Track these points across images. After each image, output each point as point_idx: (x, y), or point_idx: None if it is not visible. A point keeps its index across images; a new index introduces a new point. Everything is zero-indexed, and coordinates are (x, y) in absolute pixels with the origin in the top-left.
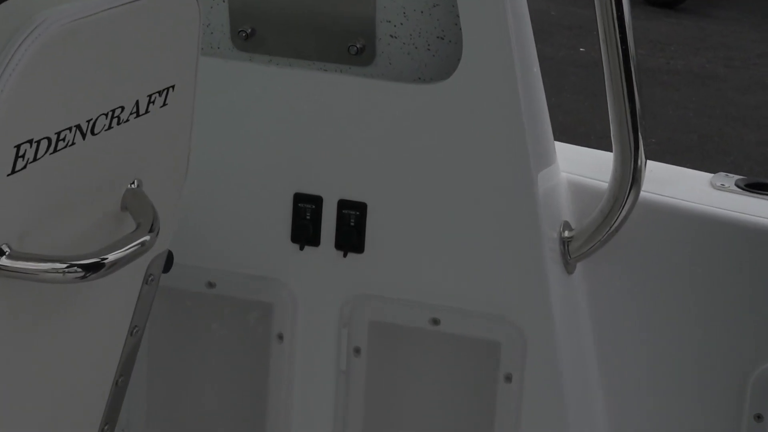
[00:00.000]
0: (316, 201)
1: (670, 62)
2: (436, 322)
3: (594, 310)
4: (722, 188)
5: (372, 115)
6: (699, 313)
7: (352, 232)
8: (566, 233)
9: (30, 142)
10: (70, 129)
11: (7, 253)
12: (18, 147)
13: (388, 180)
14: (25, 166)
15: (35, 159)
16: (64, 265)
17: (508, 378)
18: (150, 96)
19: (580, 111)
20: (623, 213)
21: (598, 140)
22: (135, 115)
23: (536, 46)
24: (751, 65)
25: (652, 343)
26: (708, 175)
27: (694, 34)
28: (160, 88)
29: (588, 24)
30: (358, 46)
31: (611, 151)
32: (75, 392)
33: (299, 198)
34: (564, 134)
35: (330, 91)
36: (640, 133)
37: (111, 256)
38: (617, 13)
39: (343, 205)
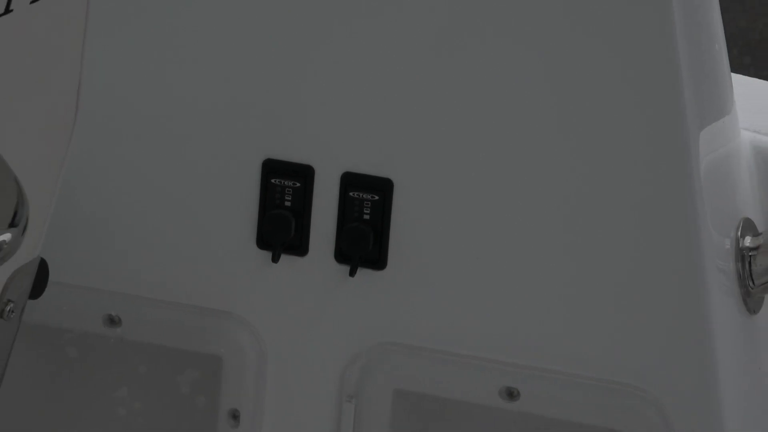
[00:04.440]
0: (303, 174)
1: None
2: (512, 394)
3: None
4: None
5: (402, 21)
6: None
7: (366, 233)
8: (748, 240)
9: None
10: None
11: None
12: None
13: (431, 141)
14: None
15: None
16: None
17: None
18: None
19: None
20: None
21: None
22: None
23: None
24: None
25: None
26: None
27: None
28: None
29: None
30: None
31: None
32: None
33: (272, 168)
34: (751, 55)
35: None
36: None
37: None
38: None
39: (350, 182)
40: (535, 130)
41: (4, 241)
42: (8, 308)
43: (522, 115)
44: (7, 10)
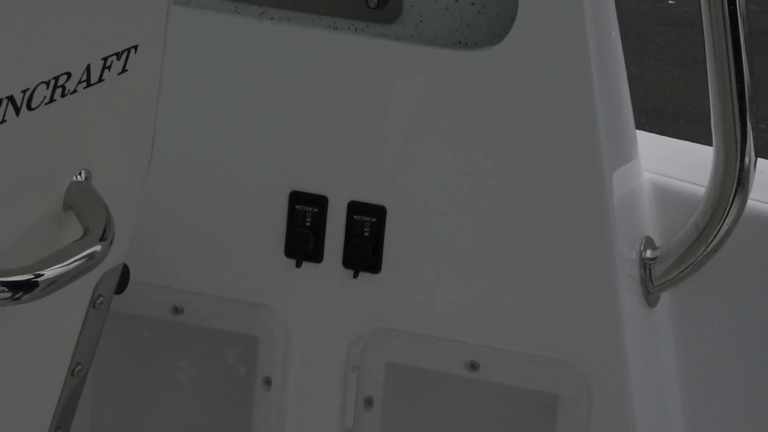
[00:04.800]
0: (320, 202)
1: None
2: (474, 366)
3: (683, 355)
4: None
5: (396, 89)
6: None
7: (365, 246)
8: (648, 253)
9: None
10: (0, 102)
11: None
12: None
13: (414, 177)
14: None
15: None
16: None
17: None
18: (105, 59)
19: (667, 84)
20: (724, 227)
21: (689, 125)
22: (85, 84)
23: None
24: None
25: (759, 396)
26: None
27: None
28: (119, 50)
29: None
30: None
31: (710, 143)
32: None
33: (297, 198)
34: (647, 116)
35: (341, 55)
36: (749, 121)
37: (48, 272)
38: None
39: (354, 208)
40: (490, 173)
41: (96, 251)
42: (99, 301)
43: (480, 162)
44: (100, 80)
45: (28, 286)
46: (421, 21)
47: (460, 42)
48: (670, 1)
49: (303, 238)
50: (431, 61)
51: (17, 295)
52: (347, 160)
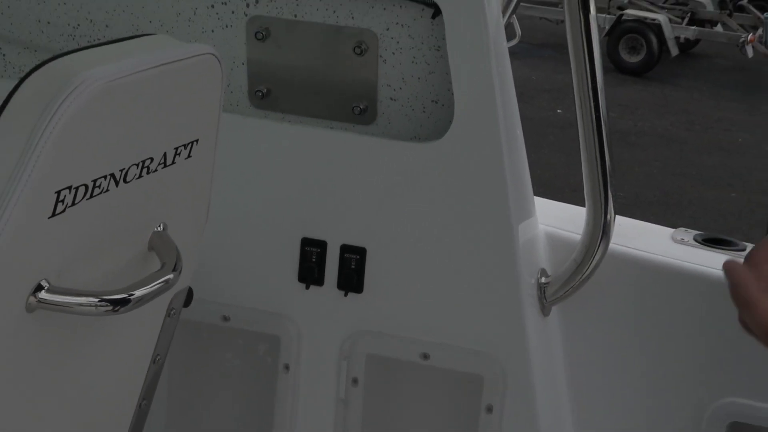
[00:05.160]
0: (321, 245)
1: (637, 124)
2: (426, 356)
3: (567, 348)
4: (682, 242)
5: (372, 170)
6: (661, 354)
7: (352, 274)
8: (543, 279)
9: (69, 188)
10: (105, 177)
11: (45, 288)
12: (58, 193)
13: (385, 228)
14: (64, 210)
15: (73, 204)
16: (96, 300)
17: (489, 409)
18: (176, 148)
19: (556, 167)
20: (594, 263)
21: (572, 193)
22: (162, 165)
23: (519, 107)
24: (710, 129)
25: (618, 379)
26: (669, 230)
27: (659, 100)
28: (186, 142)
29: (565, 88)
30: (361, 106)
31: (584, 205)
32: (102, 414)
33: (306, 242)
34: (542, 187)
35: (336, 146)
36: (609, 191)
37: (138, 292)
38: (591, 80)
39: (345, 249)
40: (438, 226)
41: (169, 278)
42: (172, 312)
43: (430, 219)
44: (173, 162)
45: (123, 302)
46: (389, 123)
47: (416, 137)
48: (558, 111)
49: (310, 270)
50: (396, 151)
51: (116, 308)
52: (340, 218)
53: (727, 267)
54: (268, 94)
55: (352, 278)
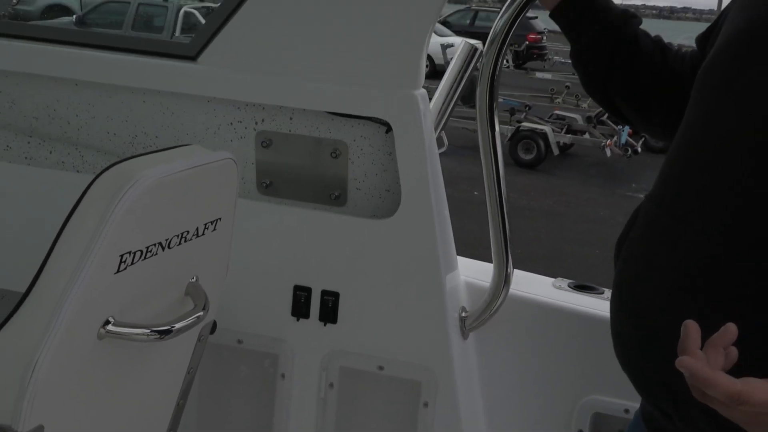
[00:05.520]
0: (308, 290)
1: (530, 203)
2: (381, 368)
3: (480, 362)
4: (560, 288)
5: (345, 238)
6: (546, 365)
7: (330, 311)
8: (463, 314)
9: (129, 252)
10: (155, 245)
11: (112, 323)
12: (121, 256)
13: (353, 278)
14: (125, 268)
15: (132, 263)
16: (148, 331)
17: (426, 405)
18: (205, 224)
19: (473, 233)
20: (498, 302)
21: (484, 250)
22: (195, 236)
23: (446, 191)
24: (580, 206)
25: (517, 384)
26: (551, 279)
27: (545, 186)
28: (212, 219)
29: (479, 177)
30: (336, 194)
31: (491, 261)
32: (153, 410)
33: (297, 288)
34: (463, 247)
35: (319, 222)
36: (509, 250)
37: (177, 325)
38: (496, 171)
39: (324, 293)
40: (386, 276)
41: (200, 315)
42: (201, 338)
43: (381, 273)
44: (204, 234)
45: (167, 332)
46: (356, 205)
47: (374, 215)
48: (475, 193)
49: (300, 307)
50: (361, 225)
51: (162, 337)
52: (321, 271)
53: (682, 364)
54: (271, 185)
55: (329, 313)
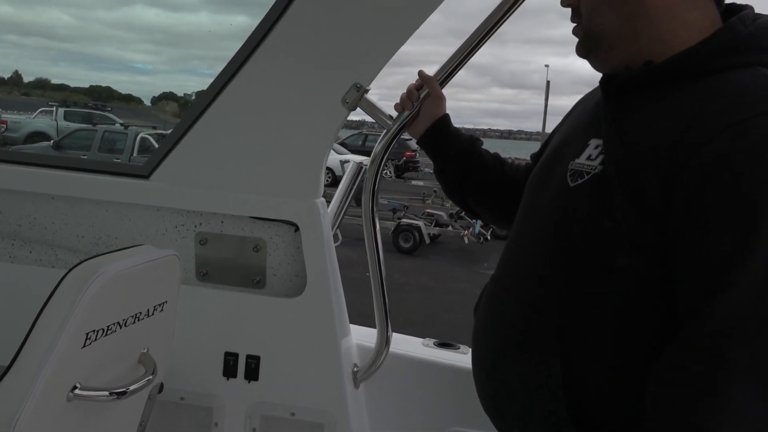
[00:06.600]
0: (236, 355)
1: (408, 281)
2: (293, 414)
3: (369, 406)
4: (428, 346)
5: (264, 315)
6: (419, 406)
7: (253, 370)
8: (355, 369)
9: (93, 330)
10: (114, 324)
11: (79, 387)
12: (87, 333)
13: (271, 345)
14: (90, 343)
15: (96, 339)
16: (107, 393)
17: None
18: (155, 306)
19: (364, 305)
20: (382, 359)
21: (370, 318)
22: (147, 316)
23: (341, 274)
24: (448, 282)
25: (398, 422)
26: (421, 339)
27: (420, 267)
28: (160, 302)
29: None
30: (257, 279)
31: (375, 327)
32: None
33: (227, 353)
34: (356, 316)
35: (244, 301)
36: (389, 318)
37: (132, 387)
38: (378, 257)
39: (249, 356)
40: (298, 342)
41: (150, 379)
42: (151, 396)
43: (293, 340)
44: (153, 314)
45: (123, 393)
46: (273, 288)
47: (287, 295)
48: (367, 274)
49: (230, 368)
50: (277, 304)
51: (119, 397)
52: (246, 339)
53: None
54: (207, 273)
55: (252, 372)
